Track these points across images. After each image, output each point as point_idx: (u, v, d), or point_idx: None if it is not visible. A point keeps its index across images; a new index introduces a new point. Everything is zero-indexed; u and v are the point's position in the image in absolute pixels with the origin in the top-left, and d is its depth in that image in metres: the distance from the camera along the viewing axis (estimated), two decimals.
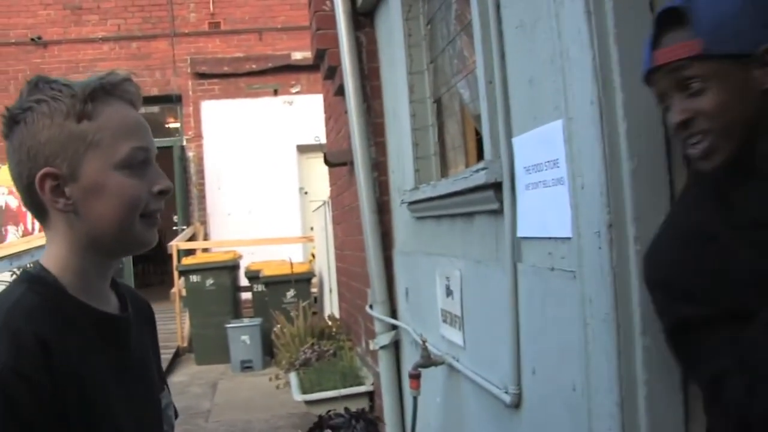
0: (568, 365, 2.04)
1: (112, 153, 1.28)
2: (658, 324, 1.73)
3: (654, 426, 1.73)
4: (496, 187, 2.46)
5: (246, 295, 11.01)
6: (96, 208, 1.27)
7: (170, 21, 13.50)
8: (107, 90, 1.29)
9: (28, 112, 1.25)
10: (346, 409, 3.09)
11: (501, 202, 2.46)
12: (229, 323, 9.67)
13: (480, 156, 3.40)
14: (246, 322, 9.80)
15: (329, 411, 2.95)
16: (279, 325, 7.62)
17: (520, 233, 2.37)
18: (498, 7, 2.44)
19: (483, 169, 2.49)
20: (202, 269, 10.17)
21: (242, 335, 9.48)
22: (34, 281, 1.27)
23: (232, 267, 10.43)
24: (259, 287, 10.26)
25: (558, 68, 1.96)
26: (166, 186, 1.35)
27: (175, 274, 10.74)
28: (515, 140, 2.35)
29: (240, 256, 10.78)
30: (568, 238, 1.99)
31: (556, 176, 2.05)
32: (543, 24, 2.09)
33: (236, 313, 10.40)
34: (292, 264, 9.97)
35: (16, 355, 1.13)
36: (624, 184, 1.76)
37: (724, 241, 1.47)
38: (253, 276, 10.44)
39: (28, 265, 1.60)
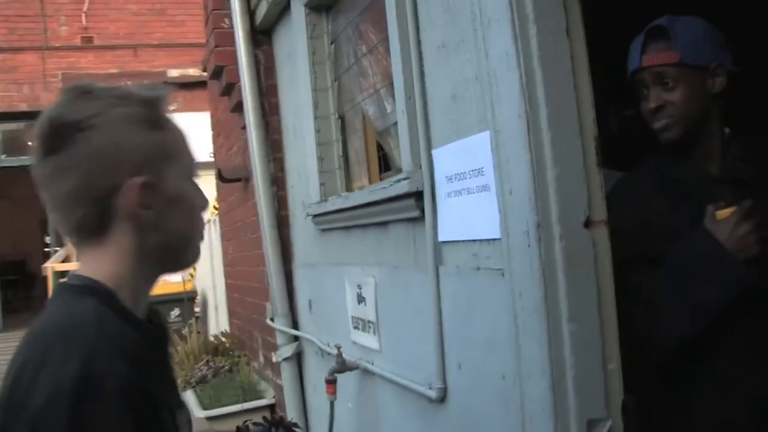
0: (496, 357, 2.23)
1: (184, 164, 1.28)
2: (582, 311, 1.96)
3: (581, 403, 1.94)
4: (417, 195, 2.64)
5: None
6: (173, 219, 1.25)
7: (40, 33, 13.09)
8: (164, 102, 1.28)
9: (100, 118, 1.17)
10: (265, 418, 3.16)
11: (422, 209, 2.64)
12: None
13: (383, 169, 3.60)
14: None
15: (246, 421, 3.02)
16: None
17: (441, 238, 2.56)
18: (417, 29, 2.63)
19: (405, 179, 2.67)
20: None
21: None
22: (97, 293, 1.18)
23: None
24: None
25: (485, 85, 2.16)
26: (207, 200, 1.37)
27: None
28: (436, 152, 2.54)
29: None
30: (496, 239, 2.19)
31: (481, 183, 2.24)
32: (467, 45, 2.29)
33: None
34: (178, 282, 9.85)
35: (136, 369, 1.08)
36: (549, 188, 1.97)
37: (654, 202, 2.04)
38: None
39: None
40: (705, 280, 1.89)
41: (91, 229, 1.20)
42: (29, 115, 12.75)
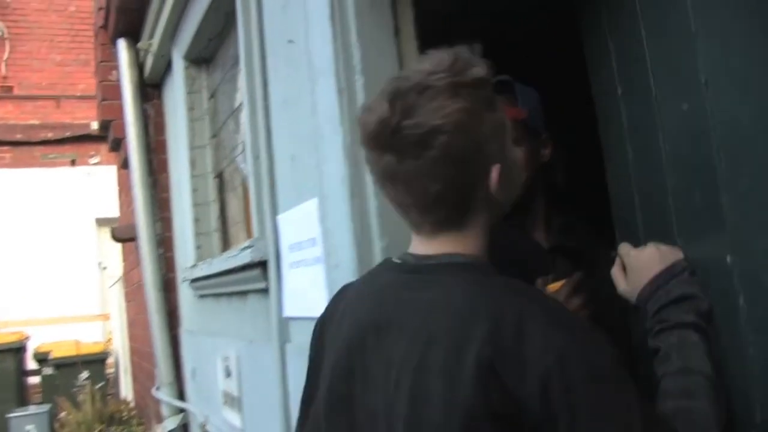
0: None
1: (510, 130, 1.25)
2: None
3: None
4: (263, 265, 2.38)
5: (35, 380, 10.18)
6: (512, 185, 1.26)
7: None
8: (491, 76, 1.22)
9: (453, 116, 1.12)
10: None
11: (268, 281, 2.38)
12: (12, 412, 8.87)
13: None
14: (32, 410, 9.03)
15: None
16: (64, 412, 7.07)
17: (286, 313, 2.29)
18: (265, 83, 2.40)
19: (249, 247, 2.41)
20: None
21: (27, 425, 8.71)
22: (483, 268, 1.18)
23: (17, 349, 9.61)
24: (49, 370, 9.53)
25: (315, 145, 1.93)
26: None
27: None
28: (280, 218, 2.29)
29: (27, 337, 10.00)
30: None
31: (315, 255, 2.00)
32: (303, 101, 2.06)
33: (23, 400, 9.57)
34: (83, 344, 9.38)
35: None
36: (375, 262, 1.73)
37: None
38: (42, 358, 9.69)
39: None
40: None
41: (452, 222, 1.20)
42: None
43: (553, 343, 1.01)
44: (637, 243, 1.40)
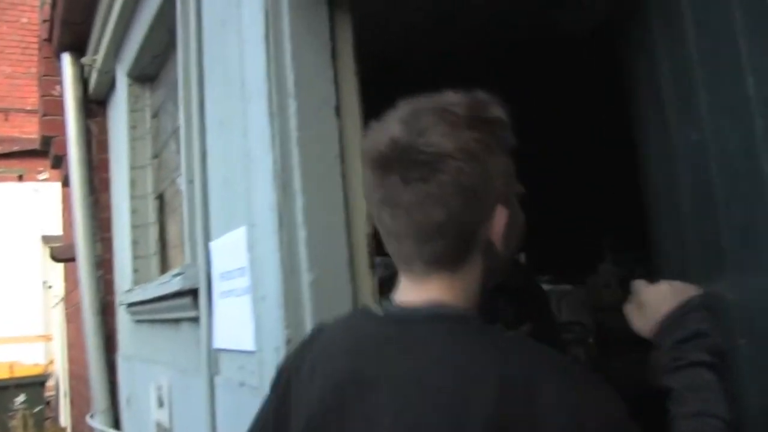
0: None
1: (515, 180, 1.17)
2: None
3: None
4: (194, 293, 2.28)
5: None
6: (512, 240, 1.16)
7: None
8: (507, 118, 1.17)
9: (470, 145, 1.05)
10: None
11: (199, 309, 2.27)
12: None
13: None
14: None
15: None
16: None
17: (215, 344, 2.19)
18: (202, 103, 2.31)
19: (180, 274, 2.31)
20: None
21: None
22: (484, 324, 1.09)
23: None
24: None
25: (245, 170, 1.85)
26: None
27: None
28: (212, 244, 2.20)
29: None
30: (253, 352, 1.84)
31: (243, 285, 1.90)
32: (236, 123, 1.98)
33: None
34: (18, 366, 9.09)
35: None
36: (303, 296, 1.65)
37: None
38: None
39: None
40: None
41: (448, 261, 1.09)
42: None
43: (566, 400, 0.96)
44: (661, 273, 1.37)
